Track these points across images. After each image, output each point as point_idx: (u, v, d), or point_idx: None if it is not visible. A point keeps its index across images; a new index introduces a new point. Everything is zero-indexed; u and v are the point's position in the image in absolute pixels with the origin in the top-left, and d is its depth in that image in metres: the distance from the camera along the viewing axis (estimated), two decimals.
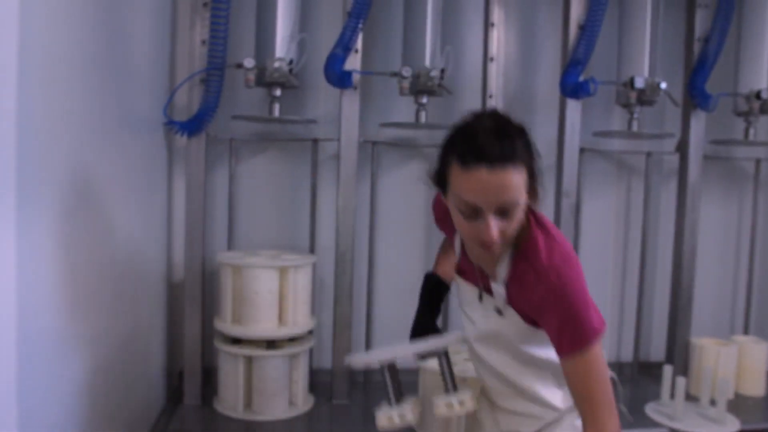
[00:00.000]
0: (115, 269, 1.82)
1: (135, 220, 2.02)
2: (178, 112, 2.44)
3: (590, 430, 1.32)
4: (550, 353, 1.42)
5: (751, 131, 2.73)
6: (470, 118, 1.34)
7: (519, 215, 1.29)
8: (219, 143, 2.60)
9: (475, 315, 1.55)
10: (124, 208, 1.89)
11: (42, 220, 1.28)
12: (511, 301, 1.43)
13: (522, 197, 1.28)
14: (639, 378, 2.88)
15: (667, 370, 2.51)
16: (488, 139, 1.24)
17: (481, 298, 1.52)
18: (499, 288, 1.44)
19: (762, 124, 2.82)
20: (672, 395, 2.45)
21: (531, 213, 1.38)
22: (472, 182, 1.24)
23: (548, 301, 1.33)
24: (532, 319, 1.42)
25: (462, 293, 1.61)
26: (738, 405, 2.59)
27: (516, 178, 1.25)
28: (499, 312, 1.47)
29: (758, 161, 2.98)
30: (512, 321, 1.45)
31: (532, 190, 1.31)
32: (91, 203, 1.58)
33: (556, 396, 1.52)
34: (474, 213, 1.27)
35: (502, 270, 1.42)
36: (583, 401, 1.33)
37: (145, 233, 2.19)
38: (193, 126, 2.36)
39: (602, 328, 1.32)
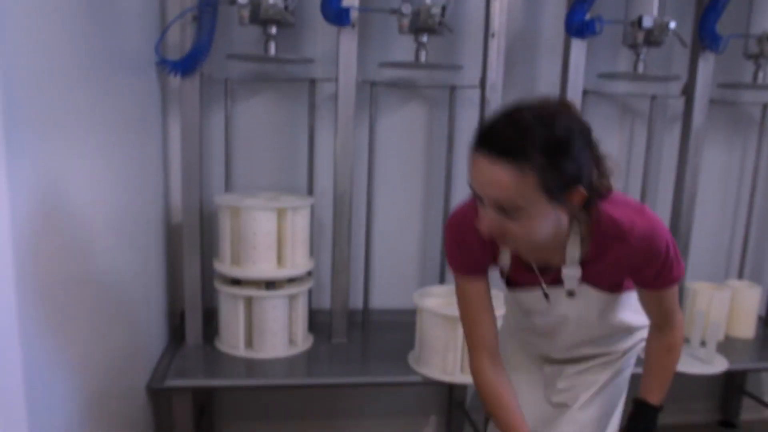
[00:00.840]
0: (113, 211, 1.82)
1: (130, 163, 2.00)
2: (171, 51, 2.37)
3: (674, 333, 1.50)
4: (624, 315, 1.57)
5: (760, 74, 2.66)
6: (522, 101, 1.21)
7: (530, 221, 1.20)
8: (214, 83, 2.54)
9: (541, 310, 1.54)
10: (118, 150, 1.86)
11: (33, 166, 1.26)
12: (587, 277, 1.43)
13: (526, 203, 1.16)
14: None
15: None
16: (501, 126, 1.15)
17: (546, 296, 1.50)
18: (572, 271, 1.41)
19: None
20: None
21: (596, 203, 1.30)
22: (473, 167, 1.19)
23: (642, 256, 1.35)
24: (613, 284, 1.47)
25: (521, 302, 1.59)
26: (728, 346, 2.66)
27: (512, 179, 1.13)
28: (571, 294, 1.46)
29: (765, 106, 2.92)
30: (586, 297, 1.48)
31: (554, 198, 1.18)
32: (82, 146, 1.55)
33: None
34: (479, 199, 1.22)
35: (574, 252, 1.38)
36: (668, 315, 1.48)
37: (142, 176, 2.17)
38: (187, 65, 2.30)
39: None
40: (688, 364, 2.43)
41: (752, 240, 3.11)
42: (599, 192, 1.26)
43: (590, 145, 1.21)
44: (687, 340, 2.59)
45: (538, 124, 1.13)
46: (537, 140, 1.12)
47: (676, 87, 2.74)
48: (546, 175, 1.14)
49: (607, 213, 1.31)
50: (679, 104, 2.77)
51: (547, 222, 1.22)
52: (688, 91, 2.66)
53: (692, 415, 3.25)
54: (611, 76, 2.72)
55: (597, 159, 1.24)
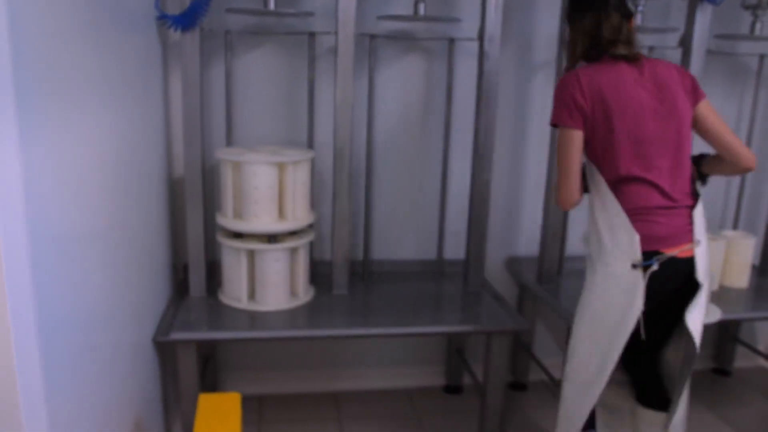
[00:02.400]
0: (118, 166, 1.84)
1: (132, 118, 2.02)
2: (171, 5, 2.37)
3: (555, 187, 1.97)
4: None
5: (758, 25, 2.67)
6: None
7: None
8: (214, 37, 2.54)
9: None
10: (121, 105, 1.88)
11: (42, 122, 1.27)
12: None
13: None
14: None
15: None
16: None
17: None
18: None
19: None
20: None
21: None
22: None
23: None
24: None
25: None
26: (722, 296, 2.71)
27: None
28: None
29: (762, 57, 2.93)
30: None
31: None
32: (87, 102, 1.57)
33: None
34: None
35: None
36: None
37: (144, 130, 2.18)
38: (187, 20, 2.29)
39: (561, 123, 1.86)
40: None
41: (747, 191, 3.14)
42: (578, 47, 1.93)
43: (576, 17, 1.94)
44: None
45: None
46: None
47: (673, 38, 2.75)
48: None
49: None
50: (676, 55, 2.77)
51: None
52: (686, 43, 2.66)
53: None
54: None
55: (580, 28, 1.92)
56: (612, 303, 1.86)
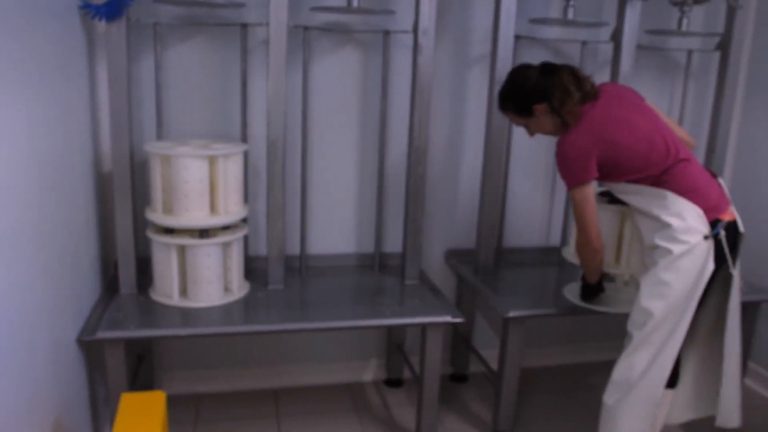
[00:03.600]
0: (37, 160, 1.78)
1: (52, 111, 1.94)
2: None
3: (577, 242, 2.24)
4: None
5: (685, 21, 2.73)
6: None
7: (533, 128, 2.25)
8: (142, 28, 2.47)
9: None
10: (38, 97, 1.81)
11: None
12: None
13: (521, 122, 2.26)
14: (563, 263, 3.02)
15: None
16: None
17: None
18: None
19: (695, 15, 2.83)
20: None
21: (573, 117, 2.13)
22: None
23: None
24: None
25: None
26: None
27: (510, 116, 2.30)
28: None
29: (690, 52, 3.00)
30: None
31: (527, 115, 2.21)
32: None
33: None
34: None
35: None
36: (576, 224, 2.21)
37: (67, 124, 2.10)
38: (112, 9, 2.22)
39: (581, 181, 2.09)
40: (615, 303, 2.52)
41: None
42: (557, 107, 2.12)
43: (540, 84, 2.16)
44: (612, 280, 2.69)
45: (506, 86, 2.27)
46: (508, 95, 2.26)
47: (605, 33, 2.79)
48: (513, 110, 2.25)
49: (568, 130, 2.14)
50: (608, 50, 2.82)
51: (540, 124, 2.22)
52: (617, 37, 2.71)
53: None
54: (543, 21, 2.75)
55: (555, 89, 2.12)
56: (689, 274, 2.03)
